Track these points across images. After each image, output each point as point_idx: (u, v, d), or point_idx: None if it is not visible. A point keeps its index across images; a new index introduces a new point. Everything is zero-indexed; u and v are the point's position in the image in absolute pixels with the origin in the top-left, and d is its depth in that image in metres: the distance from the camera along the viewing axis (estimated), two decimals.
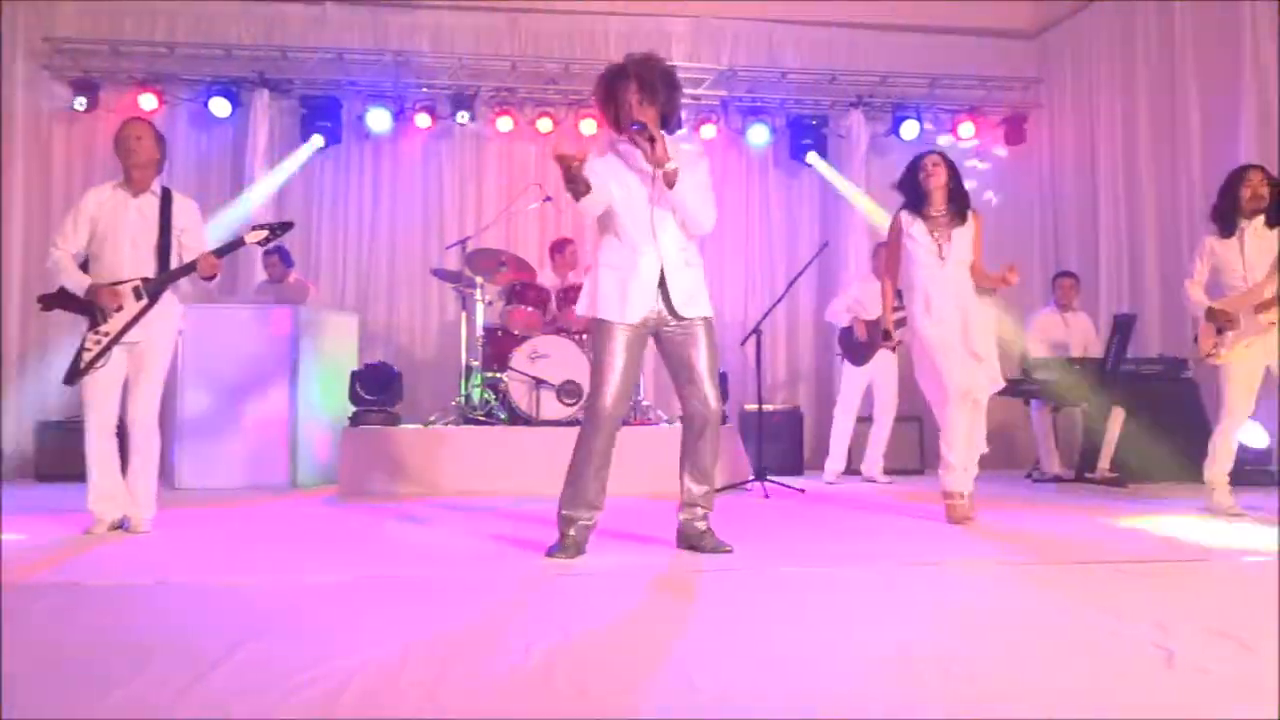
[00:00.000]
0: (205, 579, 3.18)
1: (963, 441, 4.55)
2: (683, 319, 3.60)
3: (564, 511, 3.58)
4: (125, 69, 8.11)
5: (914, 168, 4.69)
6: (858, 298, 7.03)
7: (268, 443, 6.54)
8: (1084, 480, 6.81)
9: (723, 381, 6.96)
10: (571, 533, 3.56)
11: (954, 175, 4.64)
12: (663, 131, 3.50)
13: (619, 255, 3.59)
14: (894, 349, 6.58)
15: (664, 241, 3.56)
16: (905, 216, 4.67)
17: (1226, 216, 4.88)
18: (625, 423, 6.47)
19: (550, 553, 3.52)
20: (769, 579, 3.23)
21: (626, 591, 2.99)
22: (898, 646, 2.24)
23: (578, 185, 3.36)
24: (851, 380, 7.03)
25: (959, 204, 4.61)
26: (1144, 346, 7.51)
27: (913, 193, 4.68)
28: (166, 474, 6.36)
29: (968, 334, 4.53)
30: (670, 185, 3.46)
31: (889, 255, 4.83)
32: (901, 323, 5.21)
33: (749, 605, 2.80)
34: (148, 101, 8.00)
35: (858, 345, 6.93)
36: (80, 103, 7.92)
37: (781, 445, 7.51)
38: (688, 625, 2.53)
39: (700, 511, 3.74)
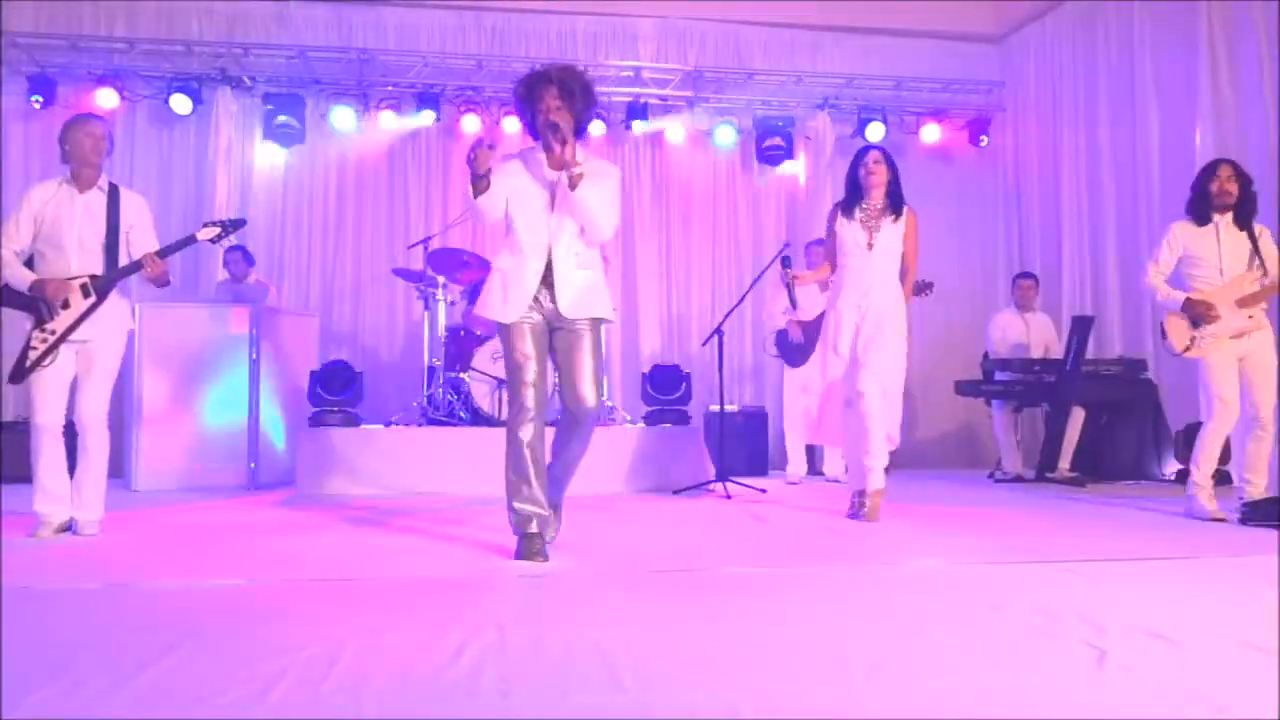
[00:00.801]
0: (143, 582, 3.12)
1: (866, 442, 4.69)
2: (573, 321, 3.64)
3: (516, 506, 3.58)
4: (84, 65, 8.00)
5: (856, 162, 4.79)
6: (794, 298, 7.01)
7: (227, 443, 6.47)
8: (1045, 480, 6.86)
9: (685, 381, 7.08)
10: (533, 530, 3.56)
11: (893, 175, 4.73)
12: (577, 140, 3.60)
13: (510, 260, 3.67)
14: None
15: (558, 247, 3.62)
16: (839, 210, 4.80)
17: (1199, 210, 4.82)
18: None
19: (519, 558, 3.51)
20: (715, 580, 3.22)
21: (568, 592, 2.98)
22: (848, 648, 2.24)
23: (481, 181, 3.47)
24: (794, 382, 7.04)
25: (894, 201, 4.72)
26: (1106, 347, 7.59)
27: (852, 186, 4.78)
28: (125, 475, 6.33)
29: (862, 328, 4.67)
30: (573, 187, 3.53)
31: (829, 251, 4.93)
32: None
33: (692, 606, 2.79)
34: (107, 98, 7.89)
35: (794, 346, 6.94)
36: (37, 100, 7.81)
37: (746, 446, 7.51)
38: (626, 626, 2.51)
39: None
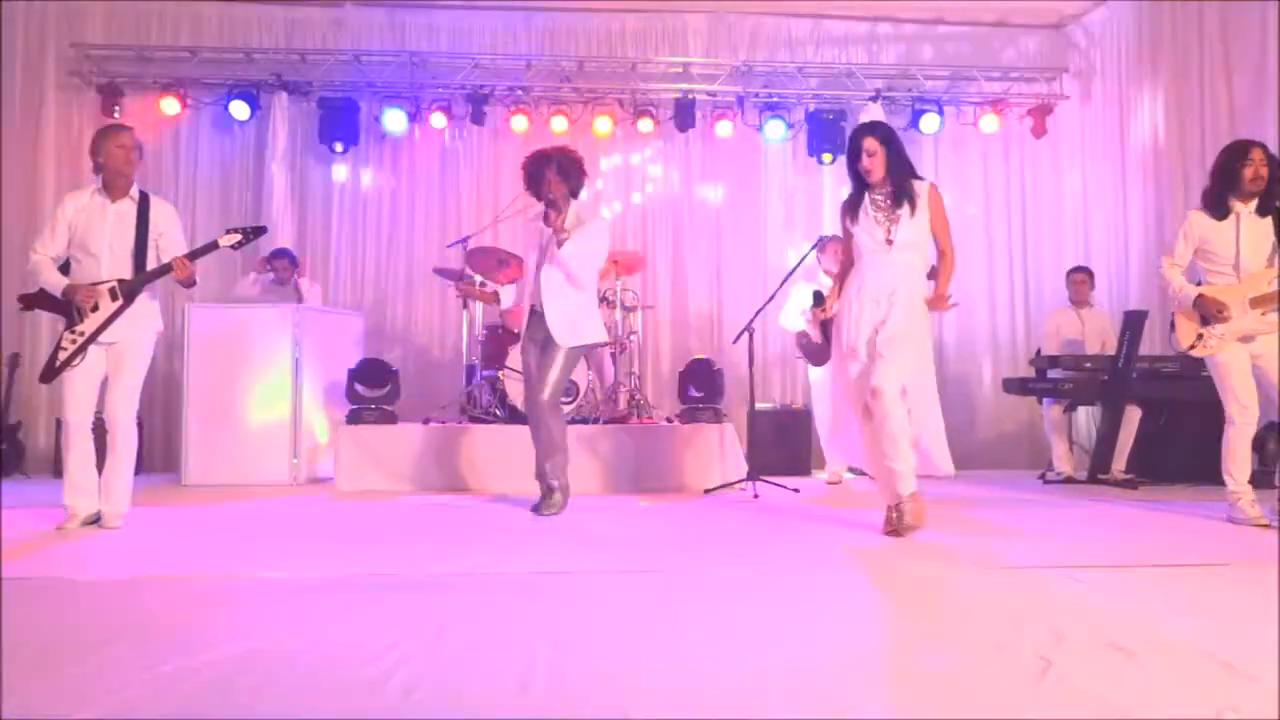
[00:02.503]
0: (120, 576, 3.21)
1: (891, 444, 4.11)
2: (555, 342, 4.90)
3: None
4: (150, 74, 8.31)
5: (851, 151, 4.31)
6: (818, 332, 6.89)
7: (271, 440, 6.64)
8: (1097, 481, 6.60)
9: (718, 379, 7.05)
10: (548, 481, 4.93)
11: (892, 153, 4.21)
12: (572, 199, 4.98)
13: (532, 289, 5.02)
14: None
15: (548, 284, 4.90)
16: (849, 204, 4.38)
17: (1221, 198, 4.52)
18: (624, 420, 6.59)
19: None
20: (690, 583, 3.18)
21: (526, 593, 2.98)
22: (842, 649, 2.19)
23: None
24: (821, 382, 6.90)
25: (900, 181, 4.23)
26: (1172, 345, 7.25)
27: (855, 178, 4.34)
28: (176, 470, 6.57)
29: (884, 325, 4.16)
30: (559, 247, 4.81)
31: (844, 248, 4.48)
32: None
33: (657, 608, 2.76)
34: (170, 106, 8.20)
35: (814, 346, 6.79)
36: (115, 111, 8.14)
37: (788, 445, 7.40)
38: (564, 629, 2.50)
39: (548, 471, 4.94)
